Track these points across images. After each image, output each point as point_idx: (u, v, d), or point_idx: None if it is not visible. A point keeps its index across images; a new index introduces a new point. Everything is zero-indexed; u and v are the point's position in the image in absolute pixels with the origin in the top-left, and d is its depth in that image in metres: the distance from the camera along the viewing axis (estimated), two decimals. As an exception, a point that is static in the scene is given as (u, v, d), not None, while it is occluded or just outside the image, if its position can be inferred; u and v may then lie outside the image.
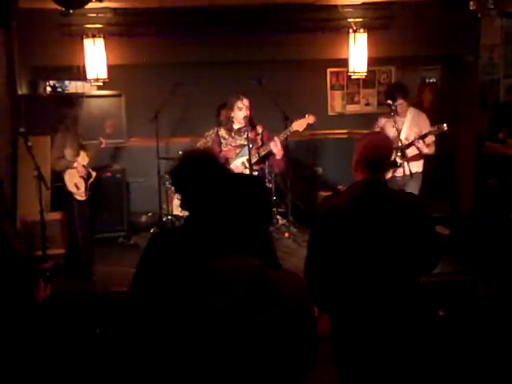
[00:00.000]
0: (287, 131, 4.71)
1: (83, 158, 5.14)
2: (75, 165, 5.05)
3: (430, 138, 4.89)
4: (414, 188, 4.79)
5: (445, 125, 4.68)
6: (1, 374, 2.52)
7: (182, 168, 2.26)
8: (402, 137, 4.92)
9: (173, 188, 2.31)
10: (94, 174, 5.24)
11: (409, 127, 4.96)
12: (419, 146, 4.80)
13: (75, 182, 5.07)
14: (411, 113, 5.00)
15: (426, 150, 4.87)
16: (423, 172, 5.09)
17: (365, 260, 2.40)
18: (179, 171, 2.27)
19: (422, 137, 4.80)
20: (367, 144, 2.57)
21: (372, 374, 2.42)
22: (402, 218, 2.43)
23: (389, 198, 2.50)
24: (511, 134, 5.37)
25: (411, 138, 4.89)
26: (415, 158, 4.93)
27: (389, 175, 4.69)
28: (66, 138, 5.06)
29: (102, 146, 5.35)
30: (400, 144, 4.78)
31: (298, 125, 4.68)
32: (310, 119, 4.70)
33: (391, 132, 4.86)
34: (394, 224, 2.41)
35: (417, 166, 4.98)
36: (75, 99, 5.71)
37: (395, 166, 4.79)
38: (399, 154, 4.74)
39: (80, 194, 5.10)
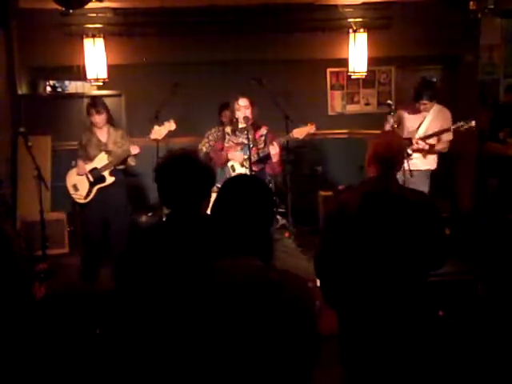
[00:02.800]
0: (287, 137, 4.74)
1: (101, 160, 4.83)
2: (78, 163, 4.84)
3: (447, 136, 4.89)
4: (423, 186, 4.81)
5: (473, 122, 4.67)
6: (1, 374, 2.52)
7: (165, 167, 2.27)
8: (421, 131, 4.91)
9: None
10: (110, 178, 4.84)
11: (430, 123, 4.93)
12: (420, 145, 4.82)
13: (74, 183, 4.85)
14: (435, 109, 4.97)
15: (426, 147, 4.91)
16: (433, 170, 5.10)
17: (373, 256, 2.42)
18: (162, 170, 2.28)
19: (441, 132, 4.81)
20: (380, 141, 2.64)
21: (378, 373, 2.43)
22: (411, 215, 2.45)
23: (399, 194, 2.52)
24: (511, 133, 5.36)
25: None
26: (423, 154, 4.94)
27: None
28: (85, 137, 4.87)
29: (134, 152, 4.80)
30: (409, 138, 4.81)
31: (299, 132, 4.70)
32: (310, 128, 4.72)
33: (411, 124, 4.90)
34: (403, 221, 2.43)
35: (426, 163, 4.99)
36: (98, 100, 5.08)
37: (407, 155, 4.81)
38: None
39: (78, 197, 4.85)
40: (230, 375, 1.53)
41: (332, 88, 7.38)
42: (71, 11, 5.61)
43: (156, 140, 4.80)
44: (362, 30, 6.67)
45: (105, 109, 4.83)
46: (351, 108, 7.44)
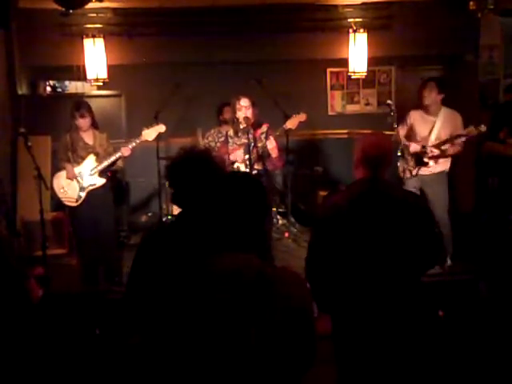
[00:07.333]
0: (280, 129, 4.78)
1: (90, 163, 4.81)
2: (63, 165, 4.79)
3: (460, 139, 4.85)
4: (441, 188, 4.82)
5: (483, 125, 4.62)
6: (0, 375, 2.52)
7: (180, 164, 2.27)
8: (433, 137, 4.88)
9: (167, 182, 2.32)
10: (101, 180, 4.82)
11: (440, 129, 4.89)
12: (434, 153, 4.83)
13: (63, 186, 4.81)
14: (443, 112, 4.93)
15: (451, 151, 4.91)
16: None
17: (364, 258, 2.40)
18: (176, 166, 2.27)
19: (454, 138, 4.78)
20: (367, 142, 2.61)
21: (372, 374, 2.42)
22: (402, 215, 2.45)
23: (388, 195, 2.52)
24: (511, 133, 5.36)
25: (442, 139, 4.86)
26: (435, 161, 4.94)
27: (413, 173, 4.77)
28: (70, 139, 4.81)
29: (126, 154, 4.78)
30: (423, 145, 4.82)
31: (291, 123, 4.76)
32: (301, 117, 4.77)
33: (422, 129, 4.89)
34: (394, 222, 2.43)
35: (441, 166, 4.99)
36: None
37: (423, 164, 4.85)
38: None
39: (69, 200, 4.82)
40: (229, 372, 1.54)
41: (332, 88, 7.38)
42: (71, 11, 5.59)
43: (147, 141, 4.83)
44: (361, 30, 6.66)
45: (89, 112, 4.80)
46: (351, 108, 7.44)
